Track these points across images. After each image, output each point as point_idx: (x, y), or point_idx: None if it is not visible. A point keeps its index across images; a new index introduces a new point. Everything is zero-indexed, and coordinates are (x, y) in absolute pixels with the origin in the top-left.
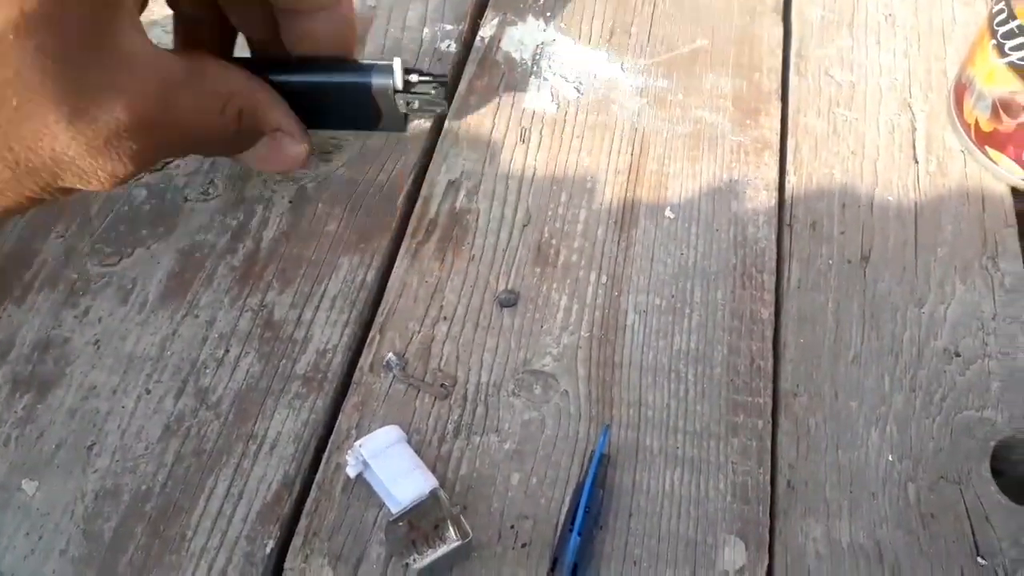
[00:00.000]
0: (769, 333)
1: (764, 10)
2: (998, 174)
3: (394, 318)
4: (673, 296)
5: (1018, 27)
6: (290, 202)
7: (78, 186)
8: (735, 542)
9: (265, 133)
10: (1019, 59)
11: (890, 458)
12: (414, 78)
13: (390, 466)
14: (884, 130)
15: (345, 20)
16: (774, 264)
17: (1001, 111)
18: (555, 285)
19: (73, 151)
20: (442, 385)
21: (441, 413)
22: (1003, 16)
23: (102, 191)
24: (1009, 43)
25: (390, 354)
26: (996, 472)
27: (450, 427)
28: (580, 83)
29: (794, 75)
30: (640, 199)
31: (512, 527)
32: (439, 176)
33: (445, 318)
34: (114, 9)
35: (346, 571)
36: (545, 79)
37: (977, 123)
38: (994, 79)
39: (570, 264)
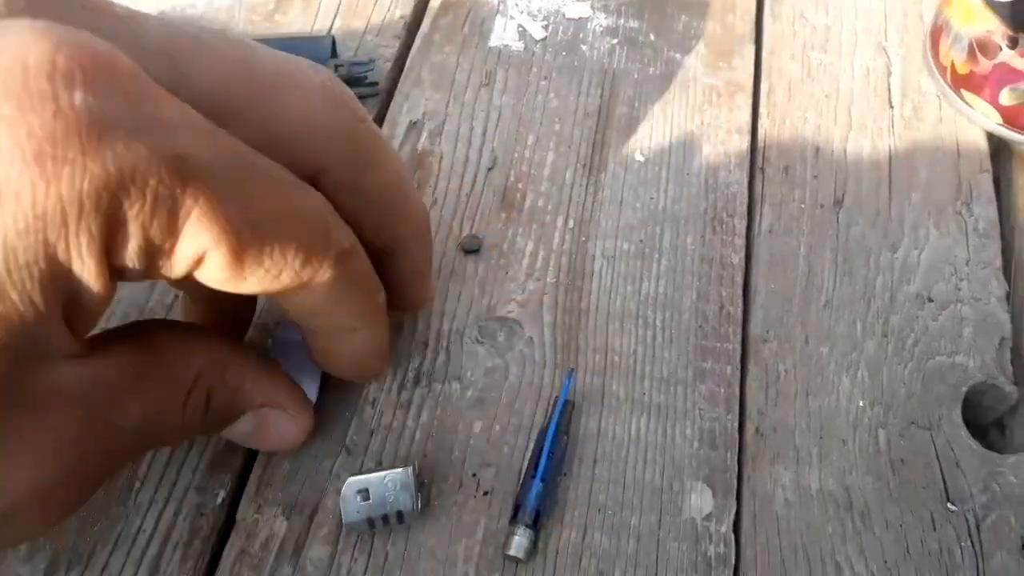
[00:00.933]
0: (739, 278)
1: None
2: (973, 118)
3: None
4: (642, 241)
5: None
6: None
7: None
8: (702, 488)
9: (244, 412)
10: None
11: (861, 404)
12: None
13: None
14: (859, 74)
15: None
16: (745, 208)
17: (978, 52)
18: (521, 230)
19: None
20: None
21: (400, 360)
22: None
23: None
24: None
25: None
26: (967, 418)
27: (410, 375)
28: (548, 22)
29: (768, 17)
30: (609, 142)
31: (474, 475)
32: (400, 117)
33: None
34: (25, 367)
35: (300, 521)
36: (512, 17)
37: (953, 66)
38: (971, 19)
39: (536, 209)
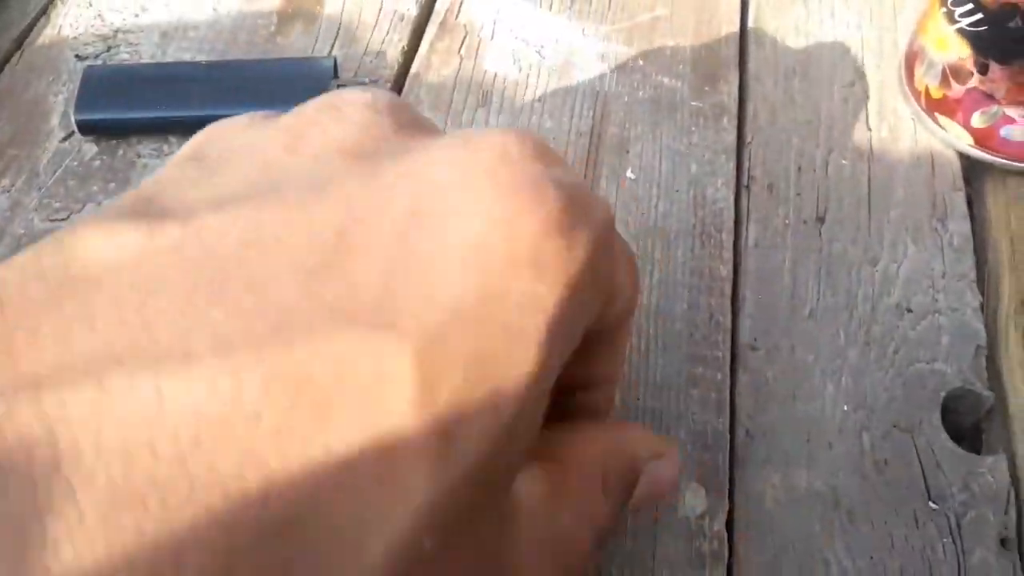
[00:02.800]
0: (728, 290)
1: None
2: (947, 140)
3: None
4: (635, 254)
5: None
6: None
7: None
8: (696, 488)
9: (640, 475)
10: (968, 24)
11: (845, 408)
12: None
13: None
14: (838, 98)
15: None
16: (732, 224)
17: (951, 77)
18: None
19: None
20: None
21: None
22: None
23: None
24: (959, 9)
25: None
26: (946, 421)
27: None
28: (542, 47)
29: (752, 44)
30: (602, 161)
31: None
32: None
33: None
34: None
35: None
36: (506, 43)
37: (927, 90)
38: (944, 46)
39: None
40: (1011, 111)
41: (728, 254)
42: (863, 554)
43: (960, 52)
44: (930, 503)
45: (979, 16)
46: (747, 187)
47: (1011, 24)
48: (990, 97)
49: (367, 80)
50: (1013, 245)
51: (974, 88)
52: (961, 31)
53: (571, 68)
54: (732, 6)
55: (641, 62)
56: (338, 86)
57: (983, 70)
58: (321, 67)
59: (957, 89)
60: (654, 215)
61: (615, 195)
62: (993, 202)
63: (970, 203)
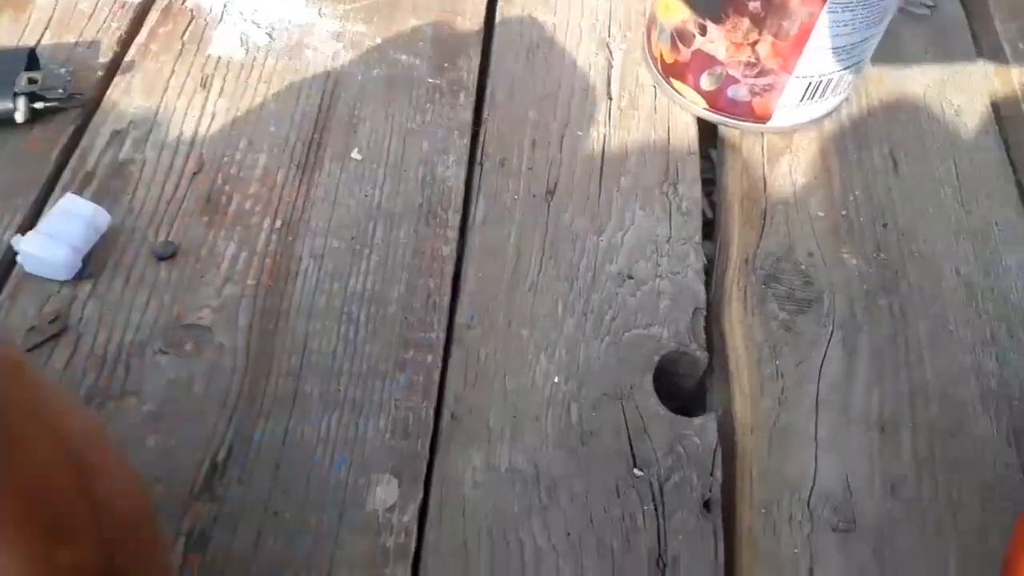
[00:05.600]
0: (449, 269)
1: None
2: (684, 104)
3: (32, 279)
4: (353, 238)
5: None
6: None
7: None
8: (388, 480)
9: None
10: None
11: (556, 380)
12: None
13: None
14: (581, 69)
15: None
16: (461, 202)
17: (678, 41)
18: (223, 234)
19: None
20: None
21: (72, 378)
22: None
23: None
24: None
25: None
26: (669, 388)
27: (81, 393)
28: (273, 29)
29: (499, 19)
30: (326, 142)
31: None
32: (103, 127)
33: (91, 275)
34: None
35: None
36: (235, 25)
37: (662, 56)
38: (669, 11)
39: (242, 211)
40: (734, 71)
41: (453, 233)
42: (559, 531)
43: (682, 15)
44: (635, 470)
45: None
46: (480, 164)
47: None
48: (713, 58)
49: (62, 70)
50: (743, 206)
51: (699, 50)
52: None
53: (303, 49)
54: None
55: (379, 40)
56: (30, 80)
57: (703, 31)
58: (11, 59)
59: (685, 52)
60: (378, 196)
61: (338, 176)
62: (731, 166)
63: (715, 169)
